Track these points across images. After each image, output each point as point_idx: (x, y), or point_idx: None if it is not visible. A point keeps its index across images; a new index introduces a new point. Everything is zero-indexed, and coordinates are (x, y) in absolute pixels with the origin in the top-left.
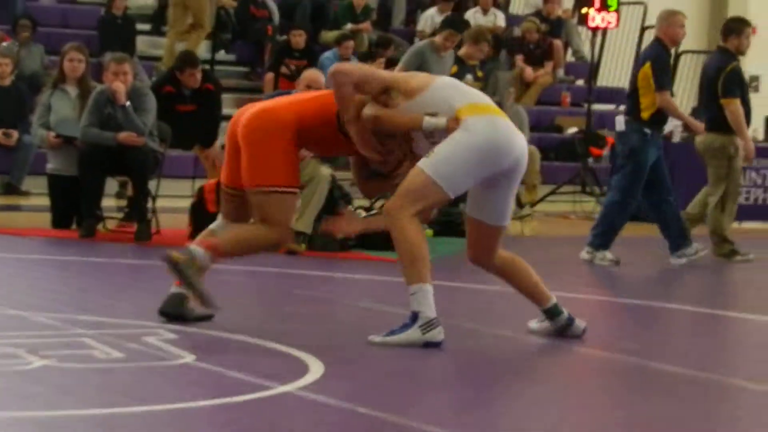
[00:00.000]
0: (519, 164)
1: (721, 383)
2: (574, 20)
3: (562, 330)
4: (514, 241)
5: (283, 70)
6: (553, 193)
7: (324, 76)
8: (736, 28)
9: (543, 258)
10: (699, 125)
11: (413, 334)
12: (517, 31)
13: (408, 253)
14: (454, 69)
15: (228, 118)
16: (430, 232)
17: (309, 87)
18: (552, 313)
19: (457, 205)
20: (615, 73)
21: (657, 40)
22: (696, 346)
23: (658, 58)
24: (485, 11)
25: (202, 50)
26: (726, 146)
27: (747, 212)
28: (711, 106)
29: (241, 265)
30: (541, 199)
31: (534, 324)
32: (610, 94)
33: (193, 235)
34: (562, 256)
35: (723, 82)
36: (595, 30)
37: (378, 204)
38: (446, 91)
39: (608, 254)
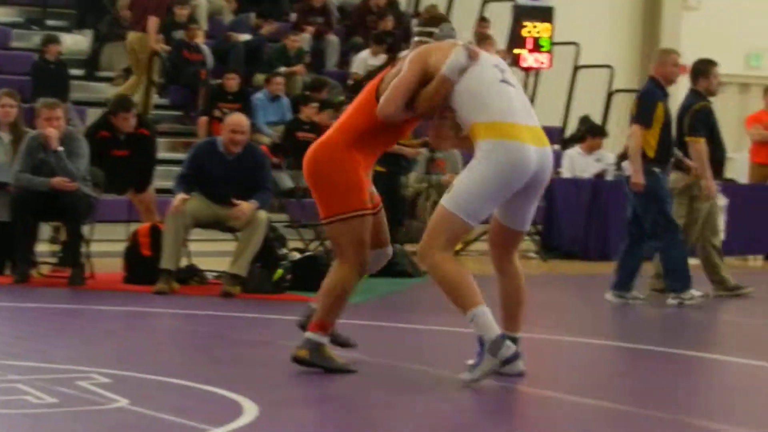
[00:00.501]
0: (538, 177)
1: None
2: (508, 61)
3: (507, 362)
4: None
5: (217, 113)
6: (486, 232)
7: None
8: (704, 70)
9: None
10: (639, 172)
11: (489, 361)
12: None
13: (448, 286)
14: None
15: (163, 162)
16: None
17: (234, 132)
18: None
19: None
20: (549, 112)
21: (651, 79)
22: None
23: (646, 95)
24: None
25: (137, 94)
26: (690, 186)
27: None
28: (679, 146)
29: (176, 308)
30: (477, 238)
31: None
32: (545, 134)
33: (127, 280)
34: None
35: (689, 120)
36: (528, 70)
37: (312, 246)
38: (473, 100)
39: (694, 292)
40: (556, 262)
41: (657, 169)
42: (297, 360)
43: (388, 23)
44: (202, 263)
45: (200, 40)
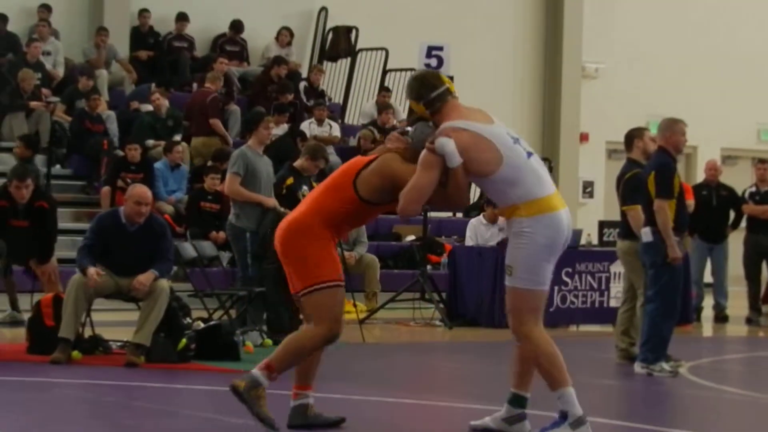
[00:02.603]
0: (567, 241)
1: None
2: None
3: (512, 421)
4: (354, 347)
5: (120, 183)
6: (392, 300)
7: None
8: (637, 134)
9: (385, 364)
10: (674, 245)
11: (564, 431)
12: (353, 141)
13: (545, 363)
14: (290, 180)
15: (65, 232)
16: (269, 341)
17: (138, 204)
18: (519, 402)
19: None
20: None
21: (661, 149)
22: None
23: (663, 167)
24: (320, 122)
25: (39, 164)
26: (635, 252)
27: (584, 315)
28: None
29: (81, 378)
30: (381, 307)
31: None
32: None
33: (30, 350)
34: (403, 363)
35: (622, 190)
36: None
37: (216, 315)
38: (509, 187)
39: (665, 365)
40: (461, 329)
41: (676, 239)
42: (233, 388)
43: (289, 94)
44: (106, 333)
45: (102, 109)
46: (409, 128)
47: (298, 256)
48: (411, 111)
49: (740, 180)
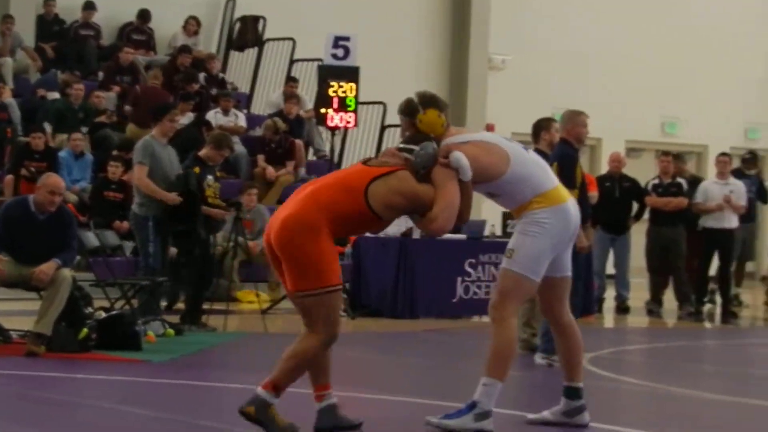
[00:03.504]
0: (577, 229)
1: None
2: (314, 120)
3: (571, 414)
4: (256, 338)
5: (23, 172)
6: None
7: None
8: (544, 125)
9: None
10: (581, 235)
11: (466, 420)
12: (258, 131)
13: (501, 349)
14: (196, 170)
15: None
16: (171, 331)
17: (52, 193)
18: (575, 394)
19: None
20: None
21: (563, 141)
22: None
23: (564, 159)
24: (226, 112)
25: None
26: None
27: (487, 306)
28: None
29: None
30: (284, 297)
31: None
32: None
33: None
34: None
35: None
36: (334, 129)
37: (118, 304)
38: (521, 183)
39: None
40: (364, 320)
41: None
42: (244, 415)
43: (195, 83)
44: (6, 322)
45: (6, 97)
46: (412, 146)
47: (306, 255)
48: (410, 127)
49: (644, 172)
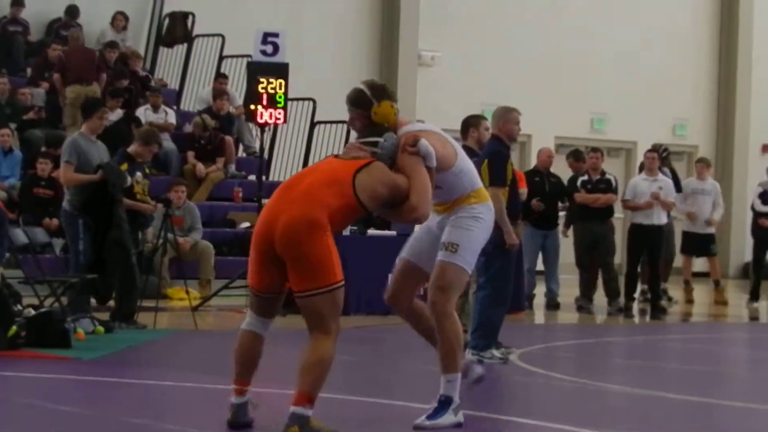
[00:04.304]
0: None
1: None
2: (244, 117)
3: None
4: (187, 335)
5: None
6: (226, 287)
7: None
8: (473, 123)
9: (218, 352)
10: (511, 231)
11: (449, 416)
12: (188, 128)
13: (450, 343)
14: (125, 166)
15: None
16: (101, 329)
17: None
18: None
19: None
20: (286, 167)
21: (494, 137)
22: None
23: (495, 155)
24: (156, 108)
25: None
26: None
27: None
28: None
29: None
30: (215, 294)
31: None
32: None
33: None
34: None
35: None
36: (264, 126)
37: (47, 302)
38: (464, 175)
39: (495, 352)
40: (294, 317)
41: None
42: None
43: (124, 80)
44: None
45: None
46: (375, 139)
47: (316, 254)
48: (361, 118)
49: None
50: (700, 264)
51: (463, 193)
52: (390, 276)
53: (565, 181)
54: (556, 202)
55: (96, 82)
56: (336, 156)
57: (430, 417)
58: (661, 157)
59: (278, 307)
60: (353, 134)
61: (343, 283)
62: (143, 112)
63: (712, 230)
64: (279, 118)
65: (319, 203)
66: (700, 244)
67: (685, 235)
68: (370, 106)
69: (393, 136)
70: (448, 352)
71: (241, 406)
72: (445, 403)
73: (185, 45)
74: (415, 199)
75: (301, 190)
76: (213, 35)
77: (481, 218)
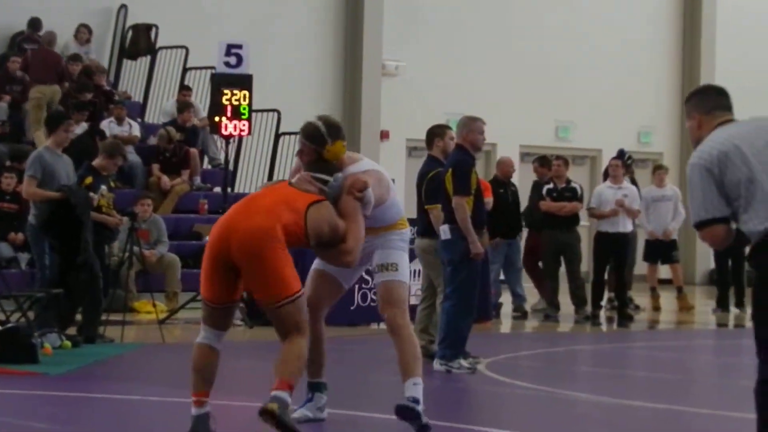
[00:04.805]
0: None
1: None
2: (208, 129)
3: (323, 408)
4: (154, 348)
5: None
6: (193, 300)
7: None
8: (438, 132)
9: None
10: (476, 241)
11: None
12: (152, 140)
13: (414, 353)
14: (89, 179)
15: None
16: (68, 343)
17: None
18: (319, 388)
19: None
20: (251, 179)
21: (459, 147)
22: None
23: (460, 165)
24: (120, 121)
25: None
26: (434, 250)
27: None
28: (420, 213)
29: None
30: (182, 306)
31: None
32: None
33: None
34: None
35: (425, 188)
36: (228, 137)
37: (14, 317)
38: (395, 207)
39: (463, 361)
40: (262, 329)
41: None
42: (267, 412)
43: (88, 93)
44: None
45: None
46: (325, 177)
47: (280, 265)
48: (312, 153)
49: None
50: (663, 271)
51: (392, 221)
52: (307, 284)
53: (528, 187)
54: (518, 211)
55: (58, 84)
56: (290, 183)
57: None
58: (625, 164)
59: (231, 319)
60: None
61: (302, 291)
62: (107, 125)
63: (674, 237)
64: (243, 130)
65: (277, 219)
66: (662, 251)
67: (648, 242)
68: (324, 144)
69: (341, 177)
70: (416, 358)
71: (200, 417)
72: (416, 403)
73: (149, 57)
74: (351, 243)
75: (261, 205)
76: (177, 47)
77: (406, 241)
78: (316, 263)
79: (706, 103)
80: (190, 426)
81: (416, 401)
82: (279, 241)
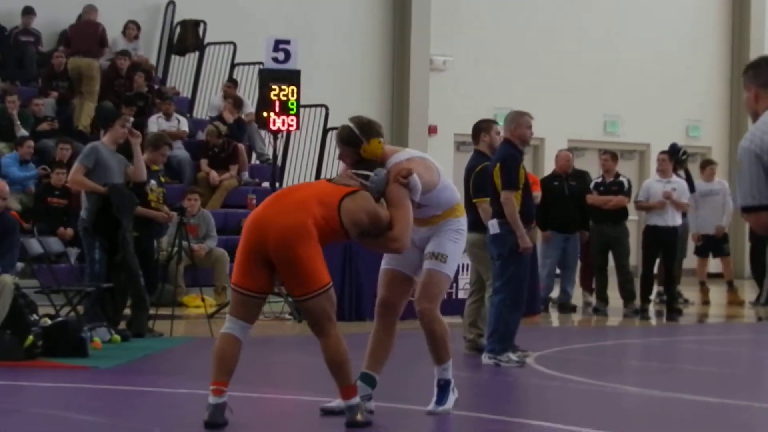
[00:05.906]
0: None
1: None
2: (256, 124)
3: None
4: (203, 342)
5: None
6: None
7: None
8: (484, 127)
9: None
10: (525, 235)
11: (452, 396)
12: (201, 136)
13: (442, 340)
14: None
15: None
16: (118, 338)
17: (3, 198)
18: (370, 381)
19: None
20: (299, 174)
21: (506, 141)
22: None
23: (508, 159)
24: (168, 116)
25: None
26: (483, 244)
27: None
28: (468, 207)
29: None
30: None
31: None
32: None
33: None
34: (252, 357)
35: (472, 183)
36: (276, 133)
37: (63, 311)
38: (448, 191)
39: (512, 355)
40: None
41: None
42: (356, 424)
43: (141, 86)
44: None
45: None
46: (366, 173)
47: (306, 260)
48: (351, 155)
49: (588, 171)
50: (713, 265)
51: (447, 208)
52: (379, 286)
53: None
54: (576, 205)
55: (96, 58)
56: (329, 180)
57: (438, 403)
58: (680, 159)
59: (258, 312)
60: None
61: (331, 283)
62: (156, 121)
63: (724, 230)
64: (291, 125)
65: (310, 214)
66: (713, 244)
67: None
68: (360, 144)
69: (383, 171)
70: (445, 343)
71: (218, 407)
72: (444, 387)
73: (197, 53)
74: (399, 230)
75: (293, 200)
76: (225, 43)
77: (462, 230)
78: (384, 263)
79: (764, 76)
80: (207, 414)
81: (445, 383)
82: (311, 237)
